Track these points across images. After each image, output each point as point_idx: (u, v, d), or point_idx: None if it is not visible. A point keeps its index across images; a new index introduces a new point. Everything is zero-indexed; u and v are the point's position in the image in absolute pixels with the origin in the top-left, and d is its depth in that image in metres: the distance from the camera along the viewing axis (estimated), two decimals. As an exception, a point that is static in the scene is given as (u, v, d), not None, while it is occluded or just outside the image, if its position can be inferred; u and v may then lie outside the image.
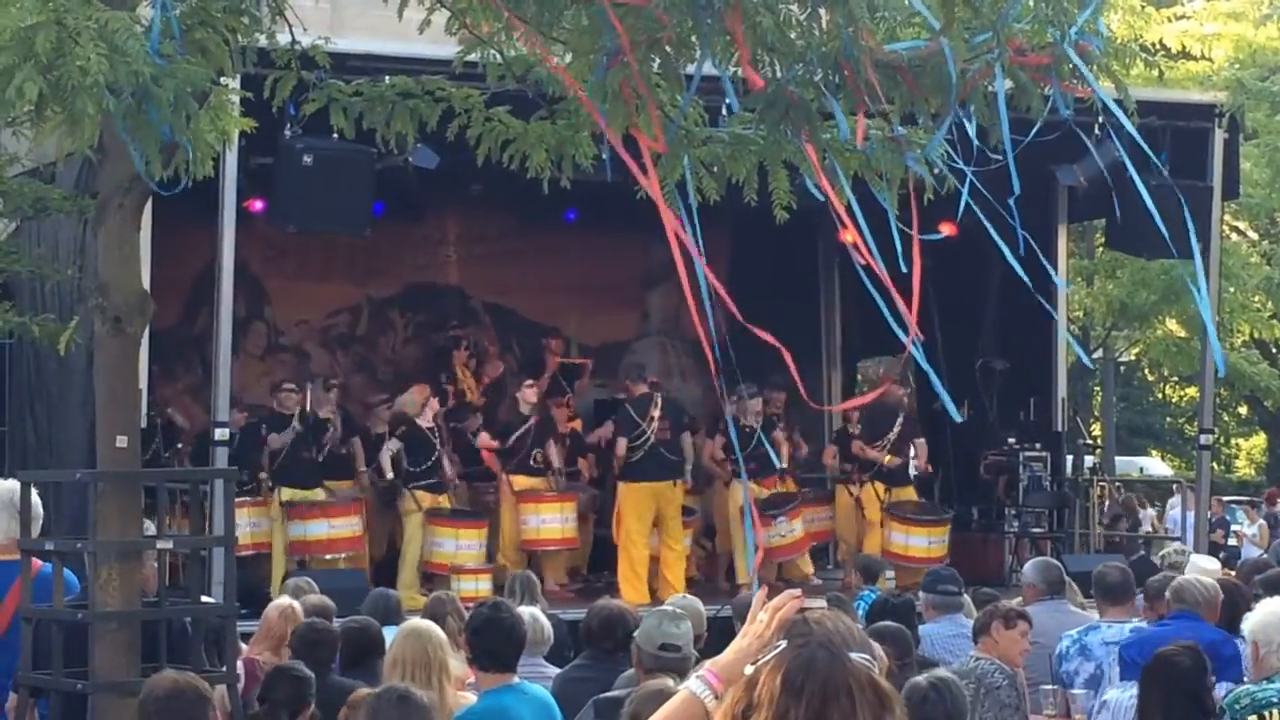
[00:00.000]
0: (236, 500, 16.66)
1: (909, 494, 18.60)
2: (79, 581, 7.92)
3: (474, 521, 17.18)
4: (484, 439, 17.84)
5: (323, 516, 16.47)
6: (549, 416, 18.24)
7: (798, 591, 3.70)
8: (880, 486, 18.39)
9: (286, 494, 16.61)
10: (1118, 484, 27.05)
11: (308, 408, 17.19)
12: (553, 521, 17.40)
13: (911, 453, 18.81)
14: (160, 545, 7.69)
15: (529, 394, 18.03)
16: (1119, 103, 7.62)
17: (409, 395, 17.56)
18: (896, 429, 18.51)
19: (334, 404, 17.62)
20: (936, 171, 7.91)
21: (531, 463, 17.75)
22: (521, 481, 17.66)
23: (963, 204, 7.15)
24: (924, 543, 18.07)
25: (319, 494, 16.82)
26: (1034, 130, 7.23)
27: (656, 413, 17.45)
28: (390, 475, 17.06)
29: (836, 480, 19.34)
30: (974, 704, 8.64)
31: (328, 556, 16.27)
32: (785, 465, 18.62)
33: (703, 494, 19.44)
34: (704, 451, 18.87)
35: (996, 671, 9.13)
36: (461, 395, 19.22)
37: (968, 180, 7.42)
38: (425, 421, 17.26)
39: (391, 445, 17.12)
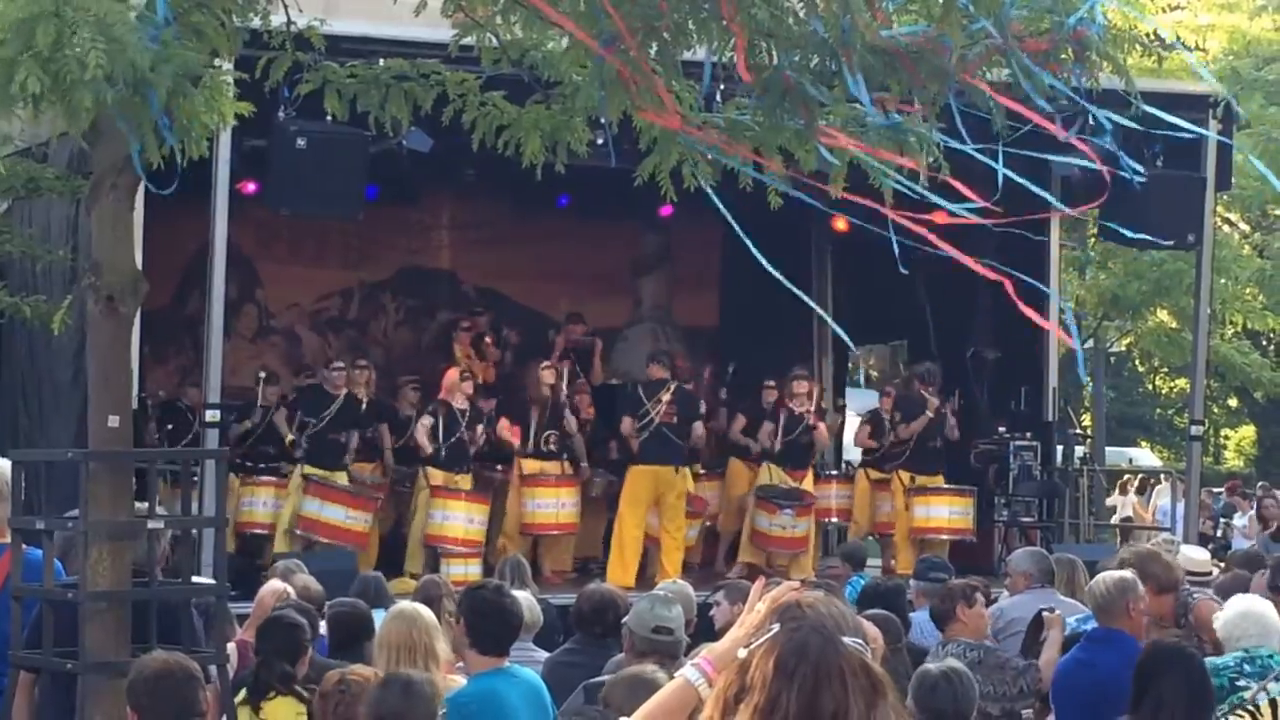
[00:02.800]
0: (257, 480, 16.89)
1: (937, 481, 18.58)
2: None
3: (470, 496, 17.06)
4: (503, 425, 17.79)
5: (343, 503, 16.44)
6: (561, 400, 18.21)
7: (797, 584, 3.70)
8: (906, 475, 18.37)
9: (309, 469, 16.59)
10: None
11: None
12: (547, 506, 17.37)
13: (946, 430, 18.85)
14: (151, 525, 7.66)
15: (547, 375, 17.97)
16: (1113, 93, 7.63)
17: (449, 379, 17.53)
18: (926, 416, 18.51)
19: (366, 384, 17.64)
20: (932, 160, 7.92)
21: (544, 446, 17.74)
22: (532, 465, 17.67)
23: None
24: (945, 513, 18.24)
25: (342, 477, 16.86)
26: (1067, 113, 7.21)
27: (667, 398, 17.42)
28: (429, 450, 17.04)
29: (861, 466, 19.36)
30: None
31: (331, 542, 16.20)
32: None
33: (720, 479, 19.33)
34: (734, 426, 18.80)
35: (968, 649, 9.22)
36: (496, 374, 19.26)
37: (1001, 161, 7.41)
38: (459, 403, 17.28)
39: (426, 420, 17.12)
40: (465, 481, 17.15)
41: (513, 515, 17.54)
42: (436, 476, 16.97)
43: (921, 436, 18.46)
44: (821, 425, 18.57)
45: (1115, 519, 28.84)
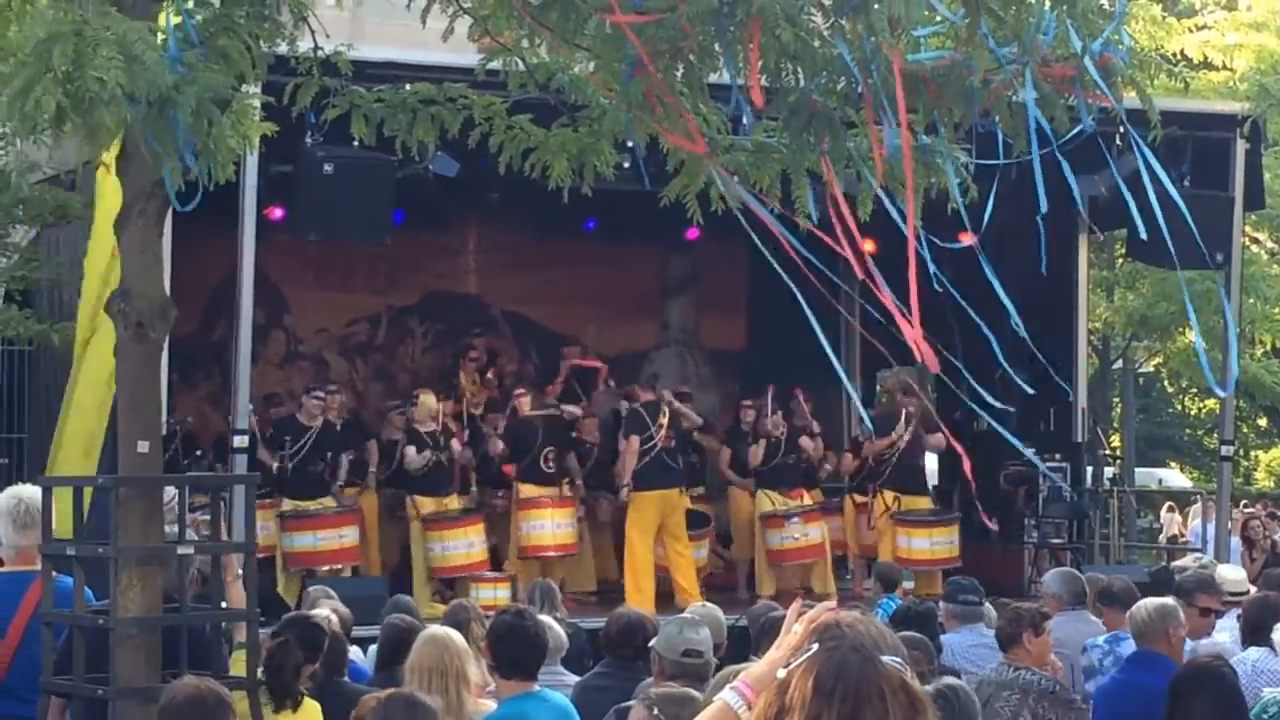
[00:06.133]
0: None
1: (923, 503, 18.53)
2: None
3: (464, 521, 17.05)
4: (495, 446, 17.87)
5: (308, 529, 16.40)
6: (562, 424, 18.22)
7: (833, 604, 3.69)
8: (889, 495, 18.33)
9: (288, 504, 16.63)
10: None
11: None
12: (544, 527, 17.35)
13: (928, 461, 18.79)
14: (181, 550, 7.67)
15: (521, 403, 18.02)
16: (1142, 114, 7.61)
17: (421, 402, 17.57)
18: (903, 432, 18.44)
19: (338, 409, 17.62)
20: (960, 181, 7.91)
21: (544, 467, 17.74)
22: (529, 490, 17.64)
23: (988, 212, 7.13)
24: (926, 544, 18.05)
25: (327, 502, 16.82)
26: (1067, 137, 7.20)
27: (664, 420, 17.48)
28: (418, 465, 17.15)
29: (847, 491, 19.34)
30: (1020, 712, 8.67)
31: (324, 568, 16.20)
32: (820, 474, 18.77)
33: (716, 501, 19.44)
34: (721, 459, 18.92)
35: (1042, 679, 9.13)
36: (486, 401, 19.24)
37: (994, 188, 7.40)
38: (426, 427, 17.27)
39: (410, 450, 17.18)
40: (453, 502, 17.19)
41: (514, 540, 17.53)
42: (426, 504, 17.02)
43: (903, 454, 18.41)
44: (807, 440, 18.56)
45: (1162, 538, 28.91)
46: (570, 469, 18.14)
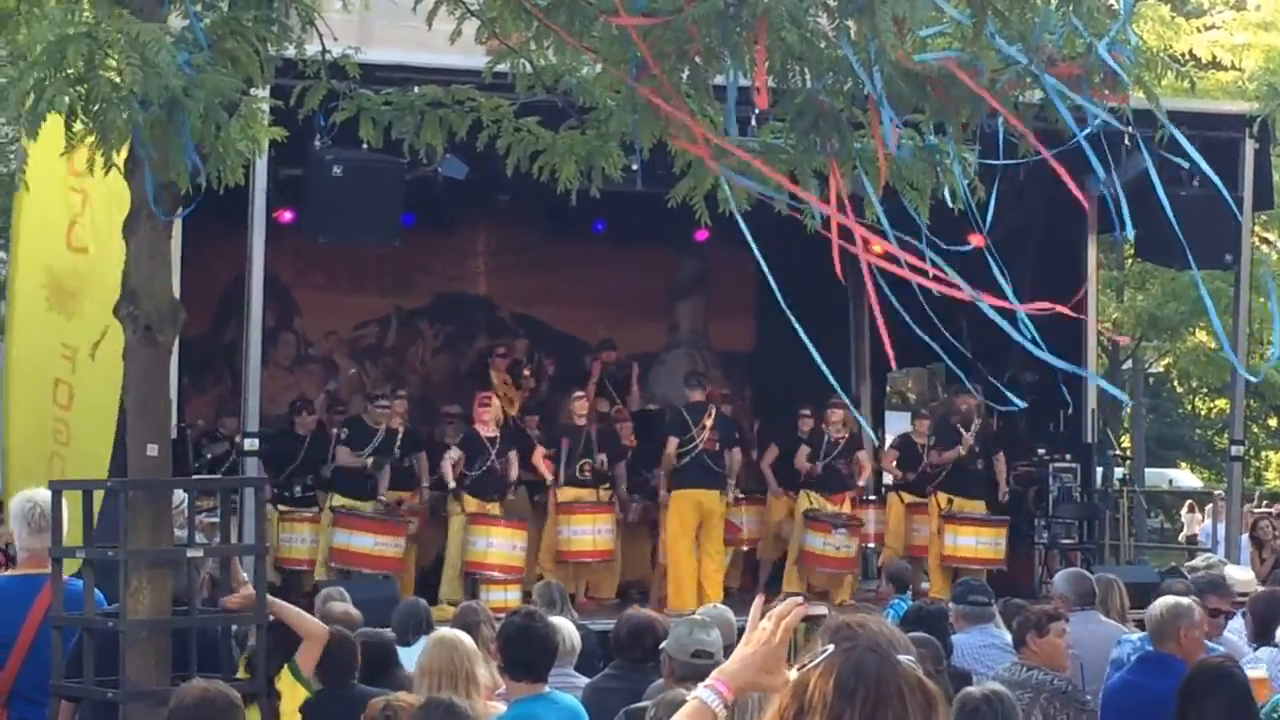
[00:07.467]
0: (296, 515, 16.86)
1: (977, 506, 18.44)
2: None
3: (510, 523, 16.97)
4: (538, 455, 17.79)
5: (370, 531, 16.35)
6: (603, 428, 18.19)
7: (800, 599, 3.72)
8: (944, 497, 18.28)
9: (339, 500, 16.61)
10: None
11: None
12: (584, 533, 17.33)
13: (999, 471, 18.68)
14: (190, 554, 7.68)
15: (579, 406, 17.99)
16: (1149, 113, 7.61)
17: (494, 405, 17.53)
18: (970, 438, 18.39)
19: (402, 414, 17.55)
20: (968, 181, 7.91)
21: (579, 474, 17.73)
22: (568, 493, 17.63)
23: (989, 214, 7.13)
24: (971, 542, 18.02)
25: (368, 507, 16.81)
26: (1085, 132, 7.19)
27: (709, 423, 17.45)
28: (452, 484, 17.05)
29: (891, 488, 19.27)
30: (1032, 711, 8.67)
31: (366, 571, 16.16)
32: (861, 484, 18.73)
33: (762, 506, 19.26)
34: (765, 458, 18.78)
35: (1054, 679, 9.12)
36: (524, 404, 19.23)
37: (994, 189, 7.40)
38: (488, 431, 17.24)
39: (453, 454, 17.10)
40: (495, 509, 17.11)
41: (549, 543, 17.53)
42: (471, 504, 16.95)
43: (961, 458, 18.39)
44: (862, 454, 18.56)
45: (1181, 537, 28.99)
46: (611, 478, 18.12)
